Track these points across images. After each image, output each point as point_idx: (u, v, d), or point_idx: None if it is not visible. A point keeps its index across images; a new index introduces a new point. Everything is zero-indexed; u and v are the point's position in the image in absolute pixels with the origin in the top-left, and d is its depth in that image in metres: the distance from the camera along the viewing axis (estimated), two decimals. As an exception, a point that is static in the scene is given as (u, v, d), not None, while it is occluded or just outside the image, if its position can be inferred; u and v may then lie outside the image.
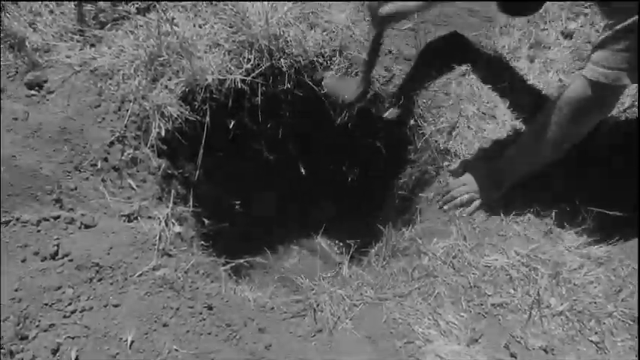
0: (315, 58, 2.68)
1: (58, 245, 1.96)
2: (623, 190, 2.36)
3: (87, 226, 2.07)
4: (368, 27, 2.62)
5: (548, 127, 2.13)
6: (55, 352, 1.73)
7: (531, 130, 2.24)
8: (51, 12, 2.60)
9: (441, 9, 2.93)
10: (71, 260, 1.94)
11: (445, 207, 2.46)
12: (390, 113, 2.78)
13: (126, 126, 2.34)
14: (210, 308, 2.01)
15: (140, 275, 2.00)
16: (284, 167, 3.18)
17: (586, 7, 2.98)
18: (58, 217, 2.03)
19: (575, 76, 2.08)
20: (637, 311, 2.04)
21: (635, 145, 2.43)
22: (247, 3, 2.63)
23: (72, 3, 2.61)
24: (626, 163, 2.42)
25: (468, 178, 2.43)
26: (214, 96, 2.54)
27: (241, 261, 2.51)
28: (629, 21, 1.85)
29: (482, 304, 2.12)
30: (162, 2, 2.64)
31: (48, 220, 2.01)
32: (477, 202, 2.38)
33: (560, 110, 2.08)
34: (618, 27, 1.87)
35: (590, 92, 2.00)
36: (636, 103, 2.56)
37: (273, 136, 2.94)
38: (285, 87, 2.71)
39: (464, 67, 2.77)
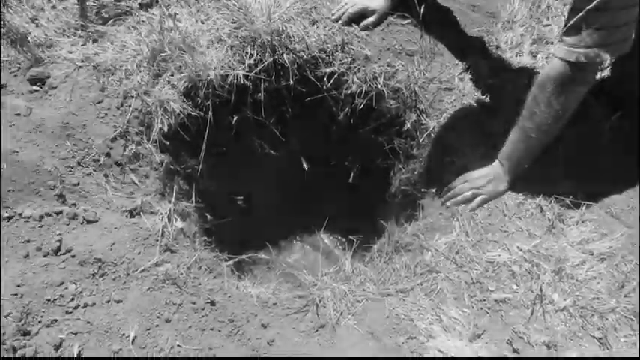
0: (317, 54, 2.67)
1: (60, 241, 1.96)
2: (625, 186, 2.36)
3: (89, 222, 2.07)
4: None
5: (537, 108, 2.14)
6: (57, 347, 1.74)
7: (523, 116, 2.23)
8: (53, 7, 2.60)
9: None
10: (74, 256, 1.95)
11: (447, 204, 2.46)
12: None
13: (128, 121, 2.34)
14: (212, 304, 2.01)
15: (143, 271, 2.00)
16: (286, 163, 3.18)
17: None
18: (61, 212, 2.04)
19: (553, 59, 2.09)
20: (639, 307, 2.04)
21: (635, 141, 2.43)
22: (250, -2, 2.64)
23: (74, -2, 2.62)
24: (628, 159, 2.42)
25: (470, 174, 2.43)
26: (217, 92, 2.54)
27: (244, 256, 2.51)
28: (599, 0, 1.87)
29: (484, 300, 2.12)
30: (165, -2, 2.64)
31: (50, 215, 2.02)
32: (479, 199, 2.37)
33: (544, 89, 2.10)
34: (590, 7, 1.87)
35: (570, 72, 2.02)
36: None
37: (276, 132, 2.94)
38: (287, 82, 2.70)
39: (467, 63, 2.76)
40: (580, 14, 1.91)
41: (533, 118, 2.17)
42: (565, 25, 2.01)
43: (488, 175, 2.38)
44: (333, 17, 2.72)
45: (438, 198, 2.55)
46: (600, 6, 1.87)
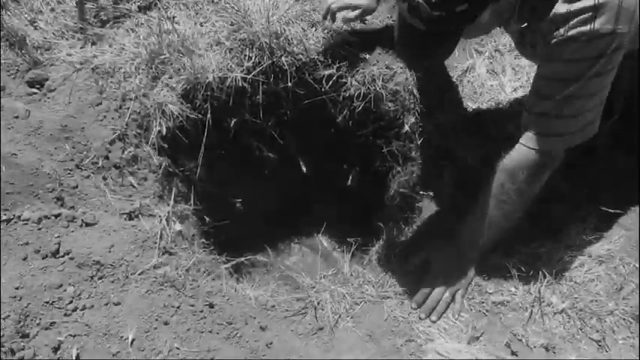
0: (316, 56, 2.67)
1: (59, 243, 1.96)
2: (624, 188, 2.36)
3: (88, 224, 2.07)
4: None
5: (506, 196, 2.08)
6: (55, 350, 1.74)
7: (488, 206, 2.14)
8: (52, 10, 2.59)
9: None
10: (72, 258, 1.94)
11: (434, 318, 2.17)
12: None
13: (127, 124, 2.34)
14: (211, 306, 2.01)
15: (141, 273, 2.00)
16: (285, 165, 3.17)
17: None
18: (59, 215, 2.03)
19: (521, 147, 2.04)
20: (638, 309, 2.04)
21: (635, 142, 2.43)
22: (248, 1, 2.63)
23: (73, 1, 2.61)
24: (627, 161, 2.42)
25: (436, 270, 2.27)
26: (215, 94, 2.53)
27: (242, 259, 2.51)
28: (576, 84, 1.83)
29: (483, 302, 2.12)
30: (164, 0, 2.64)
31: (49, 218, 2.01)
32: (459, 296, 2.20)
33: (515, 178, 2.05)
34: (562, 94, 1.86)
35: (543, 160, 2.00)
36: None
37: (274, 134, 2.94)
38: (286, 85, 2.70)
39: (465, 65, 2.77)
40: (546, 102, 1.91)
41: (501, 206, 2.11)
42: (527, 108, 1.99)
43: (455, 268, 2.23)
44: (321, 15, 2.69)
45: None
46: (568, 94, 1.85)
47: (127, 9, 2.62)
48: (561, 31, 1.79)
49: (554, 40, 1.82)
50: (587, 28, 1.74)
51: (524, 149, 2.02)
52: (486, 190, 2.14)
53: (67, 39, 2.51)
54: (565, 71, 1.85)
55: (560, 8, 1.78)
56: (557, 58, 1.85)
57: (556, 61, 1.86)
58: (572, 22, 1.76)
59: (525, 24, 1.96)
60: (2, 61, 2.34)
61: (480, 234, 2.20)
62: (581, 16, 1.74)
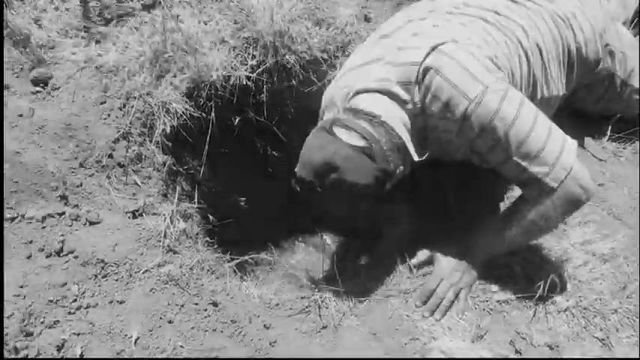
0: (319, 55, 2.67)
1: (63, 242, 1.96)
2: (627, 187, 2.36)
3: (92, 223, 2.07)
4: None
5: (537, 228, 2.08)
6: (59, 348, 1.74)
7: (513, 227, 2.10)
8: (56, 8, 2.60)
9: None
10: (76, 257, 1.95)
11: (437, 316, 2.14)
12: None
13: (131, 122, 2.34)
14: (215, 305, 2.02)
15: (145, 272, 2.00)
16: (289, 163, 3.17)
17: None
18: (63, 213, 2.04)
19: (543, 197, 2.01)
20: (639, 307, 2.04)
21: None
22: (252, -1, 2.64)
23: (77, -1, 2.62)
24: (630, 159, 2.42)
25: (440, 268, 2.24)
26: (219, 93, 2.54)
27: (246, 257, 2.50)
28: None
29: (487, 301, 2.12)
30: (167, -1, 2.64)
31: (53, 216, 2.02)
32: (463, 296, 2.18)
33: (549, 217, 2.03)
34: (524, 144, 1.93)
35: (570, 192, 1.98)
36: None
37: (278, 133, 2.94)
38: (290, 83, 2.70)
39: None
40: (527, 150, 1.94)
41: (529, 235, 2.13)
42: (508, 168, 2.02)
43: (460, 267, 2.20)
44: None
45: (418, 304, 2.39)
46: (524, 136, 1.91)
47: (131, 7, 2.62)
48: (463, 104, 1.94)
49: (467, 111, 1.94)
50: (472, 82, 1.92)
51: (546, 195, 1.98)
52: (512, 216, 2.12)
53: (71, 37, 2.52)
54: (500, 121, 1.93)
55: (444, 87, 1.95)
56: (483, 118, 1.94)
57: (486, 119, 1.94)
58: (460, 88, 1.93)
59: (427, 153, 2.11)
60: (6, 60, 2.34)
61: (497, 246, 2.18)
62: (466, 77, 1.92)
